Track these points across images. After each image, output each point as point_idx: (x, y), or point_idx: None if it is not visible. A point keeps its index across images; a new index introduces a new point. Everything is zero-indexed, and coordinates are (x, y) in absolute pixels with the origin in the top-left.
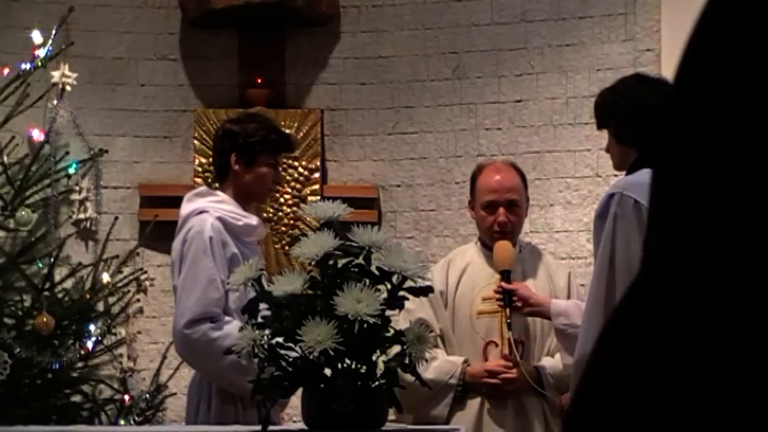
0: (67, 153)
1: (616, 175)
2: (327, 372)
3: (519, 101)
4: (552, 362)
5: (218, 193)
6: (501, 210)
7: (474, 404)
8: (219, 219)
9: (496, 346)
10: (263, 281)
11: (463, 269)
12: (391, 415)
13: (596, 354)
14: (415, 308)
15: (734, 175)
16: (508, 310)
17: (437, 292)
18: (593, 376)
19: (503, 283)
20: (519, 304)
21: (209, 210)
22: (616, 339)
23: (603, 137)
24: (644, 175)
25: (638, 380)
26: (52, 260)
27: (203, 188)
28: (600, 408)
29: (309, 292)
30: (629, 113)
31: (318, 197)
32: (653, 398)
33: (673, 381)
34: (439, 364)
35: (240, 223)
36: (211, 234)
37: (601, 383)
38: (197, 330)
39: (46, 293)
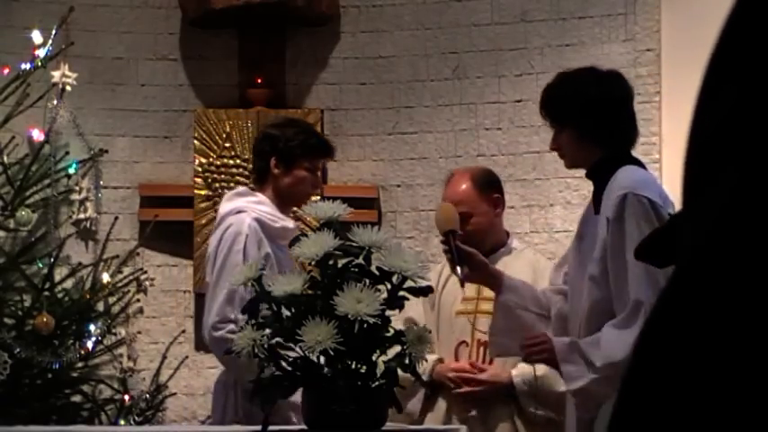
0: (67, 153)
1: None
2: (327, 372)
3: (519, 101)
4: (526, 368)
5: (258, 194)
6: None
7: (442, 406)
8: (257, 219)
9: (467, 345)
10: (267, 282)
11: (449, 275)
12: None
13: (637, 361)
14: (407, 306)
15: (766, 173)
16: (460, 271)
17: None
18: (637, 379)
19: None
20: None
21: (247, 209)
22: (657, 341)
23: None
24: (640, 172)
25: (682, 381)
26: (52, 260)
27: (243, 188)
28: (648, 410)
29: (309, 292)
30: (593, 109)
31: (318, 197)
32: (695, 400)
33: (714, 379)
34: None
35: (277, 225)
36: (247, 233)
37: (646, 386)
38: (224, 329)
39: (46, 293)
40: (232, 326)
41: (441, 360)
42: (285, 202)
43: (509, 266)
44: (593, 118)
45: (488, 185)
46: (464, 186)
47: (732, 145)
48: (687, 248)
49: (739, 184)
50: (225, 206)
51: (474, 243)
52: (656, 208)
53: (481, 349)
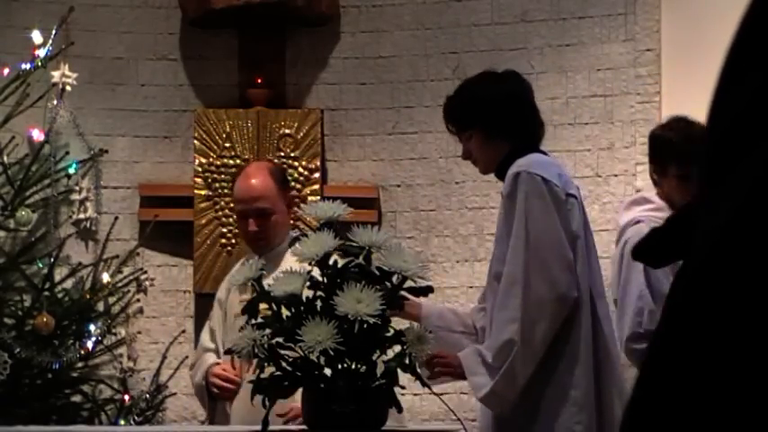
0: (67, 153)
1: (616, 175)
2: (327, 372)
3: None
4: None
5: (654, 199)
6: (250, 220)
7: (221, 404)
8: None
9: None
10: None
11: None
12: None
13: (657, 354)
14: (210, 315)
15: None
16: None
17: (218, 299)
18: (656, 372)
19: None
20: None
21: (643, 219)
22: (675, 336)
23: (603, 136)
24: (538, 156)
25: (702, 374)
26: (52, 260)
27: (639, 195)
28: (664, 408)
29: (309, 292)
30: (495, 107)
31: (318, 197)
32: (713, 397)
33: (737, 373)
34: (202, 367)
35: None
36: None
37: (664, 380)
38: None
39: (46, 293)
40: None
41: (218, 363)
42: (672, 207)
43: (282, 261)
44: (496, 114)
45: (286, 182)
46: (265, 182)
47: (759, 128)
48: (707, 236)
49: (761, 175)
50: (623, 216)
51: (270, 240)
52: (551, 186)
53: None
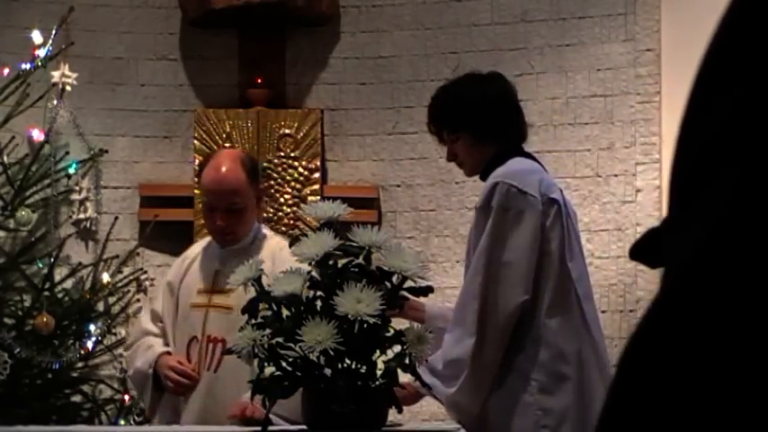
0: (67, 153)
1: (616, 176)
2: (327, 372)
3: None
4: None
5: None
6: (218, 215)
7: (170, 399)
8: None
9: (197, 341)
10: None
11: (191, 262)
12: None
13: (631, 360)
14: (154, 298)
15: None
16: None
17: (167, 283)
18: (631, 378)
19: None
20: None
21: None
22: (652, 345)
23: (603, 136)
24: (519, 162)
25: (675, 387)
26: (52, 260)
27: None
28: (637, 414)
29: (309, 292)
30: (484, 109)
31: (318, 197)
32: (690, 405)
33: (711, 385)
34: (147, 354)
35: None
36: None
37: (636, 391)
38: None
39: (46, 293)
40: None
41: (168, 353)
42: None
43: (252, 256)
44: (485, 117)
45: (257, 174)
46: (238, 176)
47: (731, 150)
48: (685, 251)
49: (740, 184)
50: None
51: (238, 235)
52: (527, 198)
53: (210, 346)
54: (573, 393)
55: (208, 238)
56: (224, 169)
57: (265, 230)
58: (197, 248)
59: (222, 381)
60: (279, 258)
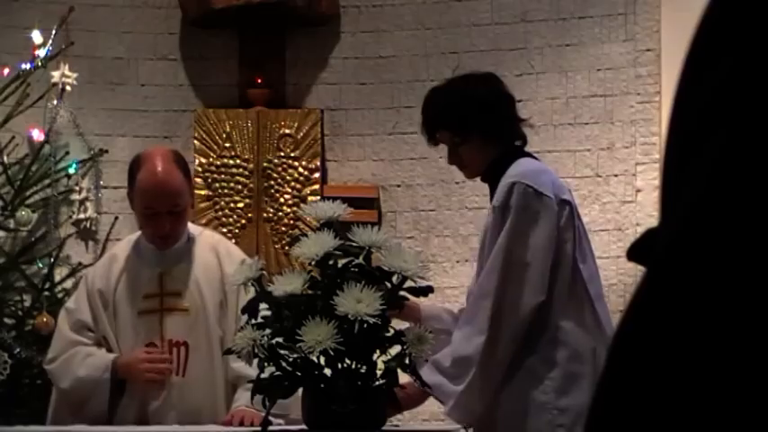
0: (67, 153)
1: (616, 175)
2: (327, 372)
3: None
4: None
5: None
6: (163, 219)
7: (133, 404)
8: None
9: (156, 347)
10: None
11: (122, 267)
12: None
13: (614, 360)
14: (75, 308)
15: (755, 136)
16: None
17: (96, 291)
18: (615, 375)
19: None
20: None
21: None
22: (644, 324)
23: (603, 136)
24: (530, 163)
25: (663, 377)
26: (52, 260)
27: None
28: (630, 406)
29: (309, 292)
30: (492, 109)
31: (318, 197)
32: (682, 392)
33: (699, 373)
34: (91, 361)
35: None
36: None
37: (623, 384)
38: None
39: (46, 293)
40: None
41: (117, 356)
42: None
43: (194, 255)
44: (494, 116)
45: (189, 172)
46: (178, 177)
47: (722, 115)
48: (676, 216)
49: (728, 145)
50: None
51: (179, 237)
52: (543, 200)
53: (174, 350)
54: (588, 392)
55: (129, 239)
56: (162, 172)
57: (193, 228)
58: (121, 252)
59: (191, 384)
60: (221, 251)
